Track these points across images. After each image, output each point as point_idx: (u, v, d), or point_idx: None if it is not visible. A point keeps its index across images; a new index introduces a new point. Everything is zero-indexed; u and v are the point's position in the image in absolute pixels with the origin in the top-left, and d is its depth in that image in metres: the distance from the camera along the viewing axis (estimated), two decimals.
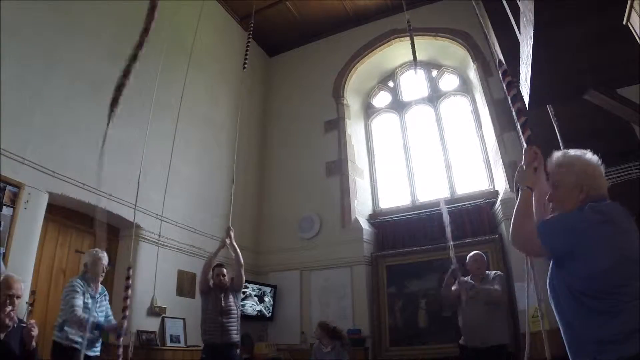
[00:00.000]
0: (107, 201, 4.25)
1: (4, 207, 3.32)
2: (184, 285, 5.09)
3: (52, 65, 4.02)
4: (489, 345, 3.31)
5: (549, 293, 1.44)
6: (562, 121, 3.40)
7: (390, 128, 7.38)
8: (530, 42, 2.45)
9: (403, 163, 6.90)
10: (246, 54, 4.69)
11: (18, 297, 2.45)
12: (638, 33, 1.87)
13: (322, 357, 4.35)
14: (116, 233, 4.65)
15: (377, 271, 5.90)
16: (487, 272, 3.69)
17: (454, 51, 6.78)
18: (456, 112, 6.91)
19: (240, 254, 4.12)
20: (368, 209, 6.72)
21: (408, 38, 6.61)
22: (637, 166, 3.38)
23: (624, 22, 1.94)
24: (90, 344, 2.96)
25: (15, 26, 3.68)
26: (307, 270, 6.17)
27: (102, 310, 3.16)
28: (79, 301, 2.93)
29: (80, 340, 2.86)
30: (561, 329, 1.38)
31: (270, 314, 5.94)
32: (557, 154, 1.57)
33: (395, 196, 6.80)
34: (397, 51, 7.33)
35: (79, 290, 2.96)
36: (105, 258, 3.22)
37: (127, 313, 2.65)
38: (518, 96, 2.15)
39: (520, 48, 2.95)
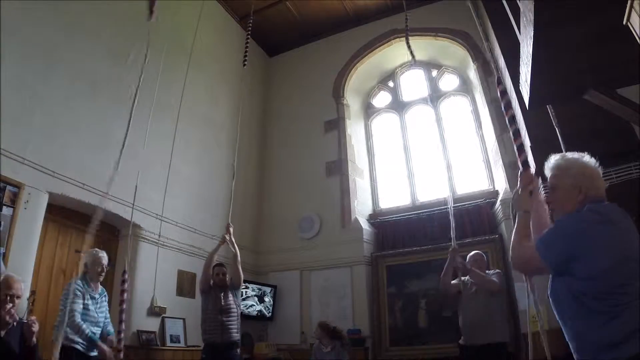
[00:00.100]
0: (106, 201, 4.25)
1: (4, 207, 3.32)
2: (184, 285, 5.09)
3: (52, 65, 4.02)
4: (489, 343, 3.33)
5: (550, 299, 1.44)
6: (562, 121, 3.41)
7: (390, 128, 7.38)
8: (530, 42, 2.45)
9: (403, 163, 6.90)
10: (246, 51, 4.69)
11: (18, 297, 2.45)
12: (638, 33, 1.87)
13: (322, 357, 4.36)
14: (116, 233, 4.65)
15: (377, 271, 5.90)
16: (487, 271, 3.73)
17: (454, 51, 6.78)
18: (456, 112, 6.91)
19: (237, 250, 4.14)
20: (368, 209, 6.72)
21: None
22: (637, 166, 3.38)
23: (624, 22, 1.94)
24: (90, 346, 2.96)
25: (15, 26, 3.68)
26: (307, 270, 6.17)
27: (102, 311, 3.16)
28: (78, 305, 2.93)
29: (79, 340, 2.87)
30: (565, 333, 1.38)
31: (270, 314, 5.94)
32: (554, 157, 1.58)
33: (395, 196, 6.80)
34: (397, 51, 7.32)
35: (78, 293, 2.96)
36: (105, 258, 3.23)
37: (124, 317, 2.63)
38: (514, 118, 2.18)
39: (520, 48, 2.95)
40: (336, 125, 7.06)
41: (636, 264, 1.27)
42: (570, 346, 1.36)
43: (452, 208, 3.83)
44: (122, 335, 2.68)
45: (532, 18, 2.25)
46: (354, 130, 7.25)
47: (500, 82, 2.38)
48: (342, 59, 7.47)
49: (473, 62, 6.29)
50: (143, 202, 4.68)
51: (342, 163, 6.72)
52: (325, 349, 4.36)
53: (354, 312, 5.66)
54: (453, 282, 3.74)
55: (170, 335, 4.67)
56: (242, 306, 4.86)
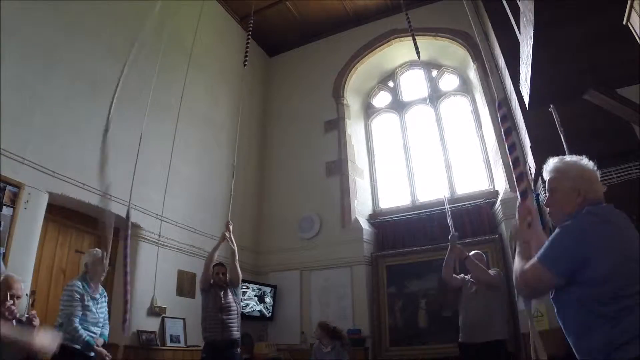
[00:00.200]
0: (106, 201, 4.25)
1: (4, 207, 3.32)
2: (184, 285, 5.09)
3: (52, 65, 4.02)
4: (488, 341, 3.34)
5: (555, 307, 1.43)
6: (562, 121, 3.40)
7: (390, 128, 7.38)
8: (530, 42, 2.46)
9: (403, 163, 6.90)
10: (246, 51, 4.69)
11: (18, 297, 2.46)
12: (638, 33, 1.87)
13: (322, 357, 4.36)
14: (116, 233, 4.64)
15: (377, 271, 5.90)
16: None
17: (454, 51, 6.78)
18: (456, 112, 6.91)
19: (236, 247, 4.17)
20: (368, 209, 6.73)
21: (408, 38, 6.65)
22: (637, 166, 3.37)
23: (624, 22, 1.94)
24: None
25: (15, 26, 3.68)
26: (307, 270, 6.17)
27: (102, 312, 3.16)
28: (77, 310, 2.92)
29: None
30: (569, 339, 1.37)
31: (270, 314, 5.94)
32: (553, 160, 1.59)
33: (395, 196, 6.80)
34: (397, 51, 7.33)
35: (78, 295, 2.96)
36: (105, 258, 3.23)
37: (129, 307, 2.64)
38: (515, 146, 2.21)
39: (520, 48, 2.95)
40: (336, 125, 7.06)
41: (636, 265, 1.27)
42: (575, 351, 1.36)
43: (448, 204, 3.90)
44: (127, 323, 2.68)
45: (532, 18, 2.25)
46: (354, 130, 7.25)
47: (501, 106, 2.43)
48: (342, 59, 7.47)
49: (473, 62, 6.29)
50: (143, 202, 4.68)
51: (342, 163, 6.72)
52: (325, 349, 4.36)
53: (354, 312, 5.66)
54: (455, 276, 3.76)
55: (170, 335, 4.67)
56: (242, 306, 4.87)
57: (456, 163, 6.52)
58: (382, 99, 7.68)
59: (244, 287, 5.49)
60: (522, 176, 1.89)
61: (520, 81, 3.39)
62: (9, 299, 2.37)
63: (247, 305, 5.61)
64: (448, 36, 6.64)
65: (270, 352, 5.57)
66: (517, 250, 1.56)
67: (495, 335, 3.38)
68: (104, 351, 3.00)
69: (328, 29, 7.72)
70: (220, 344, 3.80)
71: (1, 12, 3.48)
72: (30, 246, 3.50)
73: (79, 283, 3.03)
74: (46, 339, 1.54)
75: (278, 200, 6.94)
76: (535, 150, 4.26)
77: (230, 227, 4.19)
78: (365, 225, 6.24)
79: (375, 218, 6.51)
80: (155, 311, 4.60)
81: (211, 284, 4.02)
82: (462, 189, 6.31)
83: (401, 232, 6.09)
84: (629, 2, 1.85)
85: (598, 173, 1.51)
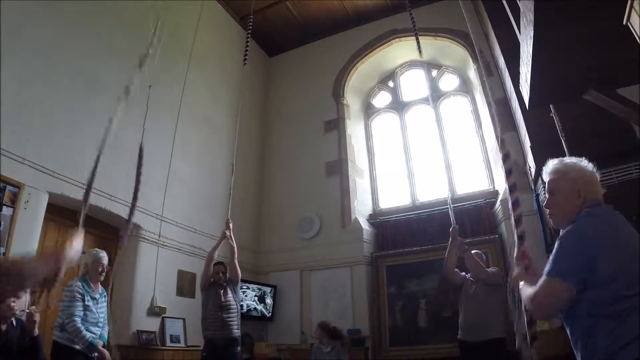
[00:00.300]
0: (107, 201, 4.26)
1: (4, 207, 3.32)
2: (184, 285, 5.09)
3: (52, 65, 4.02)
4: (488, 339, 3.36)
5: (563, 315, 1.42)
6: (562, 121, 3.41)
7: (390, 128, 7.38)
8: (530, 42, 2.45)
9: (403, 163, 6.90)
10: (246, 49, 4.69)
11: (19, 297, 2.46)
12: (638, 33, 1.87)
13: (322, 357, 4.36)
14: (116, 233, 4.65)
15: (377, 271, 5.90)
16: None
17: (454, 51, 6.78)
18: (456, 112, 6.91)
19: (235, 246, 4.19)
20: (368, 209, 6.73)
21: (408, 38, 6.66)
22: (637, 166, 3.38)
23: (624, 22, 1.94)
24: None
25: (15, 26, 3.68)
26: (307, 270, 6.17)
27: (102, 312, 3.16)
28: (78, 310, 2.92)
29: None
30: (577, 346, 1.36)
31: (270, 314, 5.94)
32: (553, 162, 1.59)
33: (395, 196, 6.80)
34: (397, 51, 7.33)
35: (78, 295, 2.96)
36: (105, 258, 3.23)
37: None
38: (514, 186, 2.25)
39: (520, 48, 2.95)
40: (336, 125, 7.06)
41: (637, 266, 1.27)
42: (577, 354, 1.36)
43: (450, 202, 3.88)
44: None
45: (532, 18, 2.25)
46: (354, 130, 7.25)
47: (503, 145, 2.67)
48: (342, 59, 7.47)
49: (473, 62, 6.29)
50: (143, 202, 4.67)
51: (342, 163, 6.72)
52: (325, 349, 4.37)
53: (354, 312, 5.66)
54: (457, 271, 3.77)
55: (170, 335, 4.67)
56: (242, 307, 4.87)
57: (456, 163, 6.52)
58: (382, 99, 7.68)
59: (244, 287, 5.49)
60: (520, 219, 1.93)
61: (520, 81, 3.39)
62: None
63: (247, 305, 5.61)
64: (448, 36, 6.64)
65: (270, 352, 5.57)
66: (520, 290, 1.55)
67: (495, 333, 3.40)
68: (107, 353, 2.99)
69: (328, 29, 7.72)
70: (221, 342, 3.81)
71: (1, 12, 3.48)
72: (30, 246, 3.50)
73: (80, 283, 3.03)
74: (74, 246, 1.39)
75: (278, 200, 6.94)
76: (535, 150, 4.26)
77: (231, 225, 4.20)
78: (365, 225, 6.24)
79: (375, 218, 6.51)
80: (155, 311, 4.60)
81: (211, 283, 4.03)
82: (462, 189, 6.31)
83: (401, 232, 6.09)
84: (629, 2, 1.85)
85: (598, 175, 1.51)
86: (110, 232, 4.55)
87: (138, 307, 4.45)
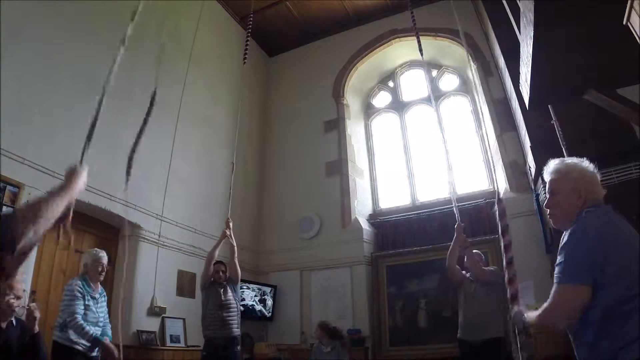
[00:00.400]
0: (107, 201, 4.26)
1: (4, 207, 3.31)
2: (184, 285, 5.09)
3: (52, 65, 4.02)
4: (487, 339, 3.38)
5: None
6: (562, 121, 3.41)
7: (390, 128, 7.38)
8: (530, 42, 2.45)
9: (403, 163, 6.90)
10: (246, 48, 4.69)
11: (19, 297, 2.47)
12: (638, 33, 1.87)
13: (322, 357, 4.36)
14: (116, 233, 4.65)
15: (377, 271, 5.90)
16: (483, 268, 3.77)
17: (454, 51, 6.78)
18: (456, 112, 6.91)
19: (235, 245, 4.20)
20: (368, 209, 6.72)
21: (408, 38, 6.66)
22: (637, 166, 3.38)
23: (624, 22, 1.94)
24: (92, 346, 2.96)
25: (15, 26, 3.68)
26: (307, 270, 6.17)
27: (102, 311, 3.16)
28: (79, 307, 2.92)
29: (81, 341, 2.88)
30: (581, 349, 1.36)
31: (270, 314, 5.94)
32: (554, 162, 1.59)
33: (395, 196, 6.80)
34: (397, 51, 7.33)
35: (79, 294, 2.96)
36: (105, 258, 3.23)
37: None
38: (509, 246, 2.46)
39: (520, 48, 2.95)
40: (336, 125, 7.06)
41: (637, 266, 1.27)
42: (579, 355, 1.35)
43: (454, 200, 3.91)
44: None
45: (532, 18, 2.25)
46: (354, 130, 7.25)
47: (500, 201, 2.88)
48: (342, 59, 7.47)
49: (473, 62, 6.29)
50: (143, 202, 4.68)
51: (342, 163, 6.72)
52: (325, 349, 4.37)
53: (354, 312, 5.66)
54: (459, 268, 3.78)
55: (170, 335, 4.67)
56: (241, 307, 4.87)
57: (456, 163, 6.52)
58: (382, 99, 7.68)
59: (244, 287, 5.49)
60: (511, 261, 2.04)
61: (520, 81, 3.39)
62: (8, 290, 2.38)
63: (247, 305, 5.61)
64: (448, 36, 6.64)
65: (270, 352, 5.57)
66: (530, 319, 1.54)
67: (495, 333, 3.41)
68: (113, 346, 2.99)
69: (328, 29, 7.71)
70: (221, 341, 3.81)
71: (1, 12, 3.48)
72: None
73: (79, 282, 3.04)
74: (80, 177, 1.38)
75: (278, 200, 6.94)
76: (535, 150, 4.27)
77: (231, 224, 4.21)
78: (365, 225, 6.24)
79: (375, 218, 6.51)
80: (155, 311, 4.60)
81: (211, 282, 4.04)
82: (462, 189, 6.30)
83: (401, 232, 6.09)
84: (629, 2, 1.85)
85: (598, 175, 1.51)
86: (110, 232, 4.55)
87: (138, 307, 4.45)
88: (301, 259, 6.23)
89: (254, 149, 7.18)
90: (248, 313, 5.52)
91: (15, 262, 1.01)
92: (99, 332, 3.06)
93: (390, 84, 7.65)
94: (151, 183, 4.87)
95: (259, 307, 5.82)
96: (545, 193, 1.71)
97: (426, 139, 6.90)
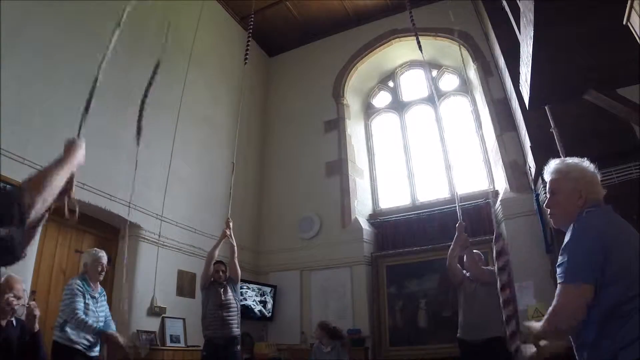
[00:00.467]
0: (107, 201, 4.26)
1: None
2: (184, 285, 5.09)
3: (52, 65, 4.02)
4: (487, 338, 3.38)
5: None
6: (562, 121, 3.41)
7: (390, 128, 7.38)
8: (530, 42, 2.45)
9: (403, 163, 6.90)
10: (247, 48, 4.68)
11: (19, 297, 2.47)
12: (638, 33, 1.87)
13: (322, 357, 4.36)
14: (116, 233, 4.65)
15: (377, 271, 5.90)
16: (482, 267, 3.78)
17: (454, 51, 6.77)
18: (456, 112, 6.91)
19: (235, 245, 4.21)
20: (368, 209, 6.72)
21: (408, 38, 6.66)
22: (637, 166, 3.38)
23: (624, 22, 1.94)
24: (91, 345, 2.96)
25: (16, 26, 3.67)
26: (307, 270, 6.17)
27: (102, 311, 3.16)
28: (80, 304, 2.93)
29: (81, 341, 2.88)
30: (582, 351, 1.36)
31: (270, 314, 5.94)
32: (554, 161, 1.59)
33: (395, 196, 6.80)
34: (397, 51, 7.33)
35: (79, 292, 2.96)
36: (104, 257, 3.23)
37: None
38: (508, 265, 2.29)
39: (520, 48, 2.95)
40: (336, 125, 7.06)
41: (637, 266, 1.27)
42: (581, 356, 1.35)
43: (456, 200, 3.96)
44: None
45: (532, 18, 2.25)
46: (354, 130, 7.25)
47: (498, 239, 2.88)
48: (342, 59, 7.47)
49: (473, 62, 6.30)
50: (143, 202, 4.68)
51: (342, 163, 6.72)
52: (325, 349, 4.37)
53: (354, 312, 5.66)
54: (459, 267, 3.78)
55: (170, 335, 4.67)
56: (241, 307, 4.87)
57: (456, 163, 6.52)
58: (382, 99, 7.68)
59: (244, 287, 5.49)
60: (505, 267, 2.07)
61: (520, 81, 3.39)
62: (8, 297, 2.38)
63: (247, 305, 5.61)
64: (448, 36, 6.64)
65: (270, 352, 5.57)
66: (532, 328, 1.48)
67: (495, 332, 3.41)
68: (117, 334, 3.00)
69: (328, 29, 7.71)
70: (221, 341, 3.81)
71: (1, 12, 3.48)
72: (30, 247, 3.49)
73: (79, 282, 3.04)
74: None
75: (278, 200, 6.94)
76: (535, 150, 4.27)
77: (231, 224, 4.21)
78: (365, 225, 6.24)
79: (375, 218, 6.51)
80: (155, 311, 4.60)
81: (211, 282, 4.04)
82: (462, 189, 6.30)
83: (401, 232, 6.10)
84: (629, 2, 1.85)
85: (599, 175, 1.51)
86: (110, 232, 4.55)
87: (138, 307, 4.45)
88: (301, 259, 6.23)
89: (254, 149, 7.18)
90: (248, 313, 5.52)
91: (27, 237, 1.01)
92: (102, 325, 3.07)
93: (390, 84, 7.65)
94: (151, 183, 4.87)
95: (258, 307, 5.82)
96: (545, 193, 1.71)
97: (426, 139, 6.90)
